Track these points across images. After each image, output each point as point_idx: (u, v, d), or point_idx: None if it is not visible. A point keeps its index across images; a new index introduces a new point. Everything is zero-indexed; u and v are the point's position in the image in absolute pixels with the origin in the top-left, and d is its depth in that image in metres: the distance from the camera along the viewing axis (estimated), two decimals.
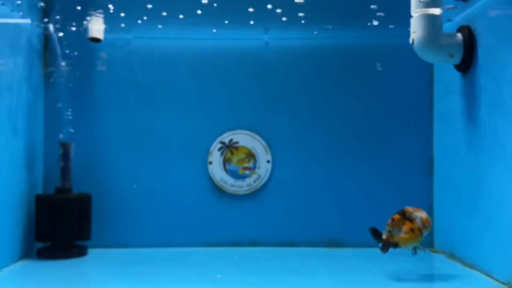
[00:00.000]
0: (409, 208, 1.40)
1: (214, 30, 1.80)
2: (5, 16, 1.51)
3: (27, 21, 1.65)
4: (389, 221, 1.40)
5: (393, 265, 1.57)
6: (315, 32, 1.83)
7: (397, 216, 1.39)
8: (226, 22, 1.72)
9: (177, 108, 1.86)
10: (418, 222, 1.37)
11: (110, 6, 1.56)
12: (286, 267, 1.56)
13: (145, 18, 1.66)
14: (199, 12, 1.60)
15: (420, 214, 1.38)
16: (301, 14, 1.64)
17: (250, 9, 1.59)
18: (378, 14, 1.61)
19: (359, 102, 1.88)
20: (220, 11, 1.60)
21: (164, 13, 1.61)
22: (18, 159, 1.62)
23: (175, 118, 1.86)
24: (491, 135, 1.42)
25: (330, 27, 1.79)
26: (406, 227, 1.38)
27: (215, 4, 1.54)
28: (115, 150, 1.85)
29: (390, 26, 1.73)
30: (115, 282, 1.38)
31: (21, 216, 1.63)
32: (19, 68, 1.63)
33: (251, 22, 1.73)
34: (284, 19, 1.67)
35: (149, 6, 1.54)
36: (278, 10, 1.61)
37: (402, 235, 1.38)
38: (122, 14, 1.63)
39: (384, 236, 1.40)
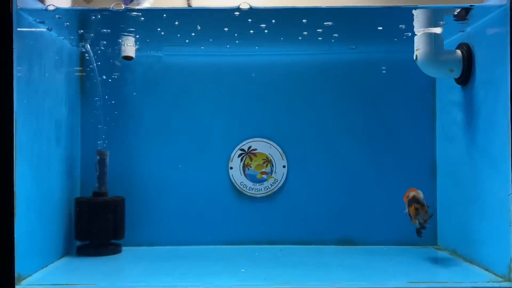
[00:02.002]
0: (410, 193, 1.68)
1: (256, 48, 1.94)
2: (50, 39, 1.69)
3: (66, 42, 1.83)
4: (414, 211, 1.66)
5: (400, 261, 1.71)
6: (353, 46, 1.94)
7: (415, 206, 1.66)
8: (246, 40, 1.87)
9: (201, 119, 2.01)
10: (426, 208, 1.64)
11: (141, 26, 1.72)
12: (302, 262, 1.70)
13: (169, 37, 1.81)
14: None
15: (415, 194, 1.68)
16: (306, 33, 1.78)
17: (266, 30, 1.74)
18: (406, 34, 1.73)
19: (367, 111, 2.01)
20: (238, 31, 1.75)
21: (193, 34, 1.77)
22: (60, 166, 1.78)
23: (200, 128, 2.00)
24: (488, 142, 1.56)
25: (353, 47, 1.94)
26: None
27: (236, 28, 1.70)
28: (145, 157, 1.99)
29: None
30: (151, 276, 1.53)
31: (63, 217, 1.79)
32: (61, 84, 1.80)
33: (267, 40, 1.88)
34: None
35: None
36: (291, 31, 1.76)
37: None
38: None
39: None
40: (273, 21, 1.61)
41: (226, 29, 1.71)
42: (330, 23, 1.64)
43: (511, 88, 1.40)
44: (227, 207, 2.01)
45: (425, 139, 2.00)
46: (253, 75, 2.02)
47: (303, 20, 1.62)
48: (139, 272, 1.59)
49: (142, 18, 1.57)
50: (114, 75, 1.99)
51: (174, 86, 2.02)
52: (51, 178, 1.69)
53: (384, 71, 2.02)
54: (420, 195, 1.68)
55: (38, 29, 1.59)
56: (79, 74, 1.98)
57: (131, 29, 1.73)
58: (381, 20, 1.69)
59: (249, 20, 1.60)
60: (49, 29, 1.68)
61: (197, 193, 1.99)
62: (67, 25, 1.66)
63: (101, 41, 1.86)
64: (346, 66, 2.02)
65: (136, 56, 1.91)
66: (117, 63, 1.95)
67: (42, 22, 1.58)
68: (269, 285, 1.38)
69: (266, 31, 1.72)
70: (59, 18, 1.55)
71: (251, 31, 1.73)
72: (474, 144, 1.66)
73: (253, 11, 1.48)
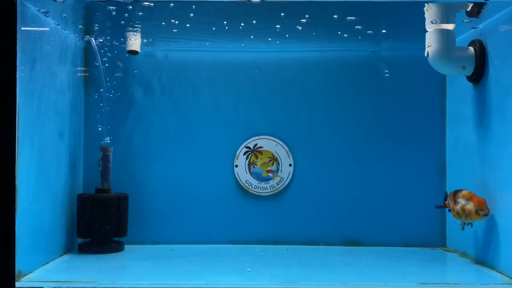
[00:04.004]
0: (460, 193, 1.59)
1: (242, 44, 1.93)
2: (54, 31, 1.66)
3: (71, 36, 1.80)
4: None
5: (409, 262, 1.67)
6: (375, 47, 1.92)
7: (450, 194, 1.64)
8: (252, 37, 1.84)
9: (207, 116, 1.98)
10: (457, 207, 1.57)
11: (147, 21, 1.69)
12: (309, 262, 1.66)
13: (175, 31, 1.78)
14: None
15: (462, 202, 1.56)
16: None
17: (277, 26, 1.71)
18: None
19: (376, 109, 1.98)
20: (247, 27, 1.72)
21: (200, 29, 1.73)
22: (63, 161, 1.75)
23: (205, 124, 1.98)
24: (500, 141, 1.52)
25: (376, 48, 1.93)
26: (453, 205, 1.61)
27: (242, 24, 1.68)
28: (149, 154, 1.96)
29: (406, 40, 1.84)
30: (154, 274, 1.50)
31: (65, 214, 1.76)
32: (65, 78, 1.77)
33: (270, 39, 1.85)
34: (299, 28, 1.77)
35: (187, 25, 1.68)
36: (299, 27, 1.73)
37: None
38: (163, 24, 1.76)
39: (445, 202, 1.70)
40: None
41: (225, 21, 1.68)
42: (352, 17, 1.61)
43: None
44: (232, 206, 1.97)
45: (434, 138, 1.97)
46: (255, 71, 1.99)
47: (307, 16, 1.59)
48: (142, 271, 1.56)
49: (150, 11, 1.53)
50: (119, 70, 1.96)
51: (179, 82, 1.99)
52: (53, 174, 1.66)
53: (387, 75, 1.98)
54: (463, 200, 1.56)
55: (42, 21, 1.56)
56: (83, 68, 1.96)
57: (137, 23, 1.70)
58: (392, 16, 1.67)
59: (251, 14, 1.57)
60: (55, 23, 1.65)
61: (202, 191, 1.96)
62: (71, 19, 1.63)
63: (107, 35, 1.83)
64: (355, 63, 1.99)
65: (141, 51, 1.88)
66: (119, 63, 1.92)
67: (47, 13, 1.55)
68: (275, 285, 1.35)
69: (278, 26, 1.70)
70: (63, 13, 1.52)
71: (258, 24, 1.70)
72: (486, 144, 1.63)
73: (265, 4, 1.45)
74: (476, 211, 1.50)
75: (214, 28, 1.74)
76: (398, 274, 1.51)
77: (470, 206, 1.52)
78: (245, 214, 1.98)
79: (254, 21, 1.66)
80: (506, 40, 1.50)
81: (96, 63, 1.88)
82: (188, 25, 1.68)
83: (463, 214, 1.55)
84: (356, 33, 1.80)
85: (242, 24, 1.68)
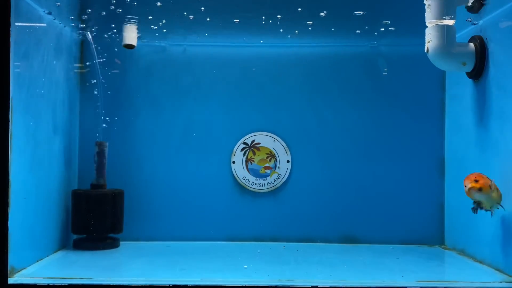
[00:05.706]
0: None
1: (244, 39, 1.91)
2: (49, 24, 1.63)
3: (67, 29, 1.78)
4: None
5: (407, 260, 1.66)
6: (374, 42, 1.90)
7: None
8: (250, 32, 1.83)
9: (204, 111, 1.96)
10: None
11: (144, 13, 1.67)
12: (306, 260, 1.65)
13: (173, 23, 1.76)
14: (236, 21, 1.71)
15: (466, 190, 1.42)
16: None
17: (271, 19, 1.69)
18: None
19: (375, 106, 1.97)
20: (246, 21, 1.70)
21: (201, 17, 1.70)
22: (57, 155, 1.73)
23: (202, 120, 1.96)
24: (500, 138, 1.51)
25: (376, 43, 1.91)
26: None
27: (236, 20, 1.66)
28: (146, 150, 1.94)
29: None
30: (151, 271, 1.48)
31: (59, 209, 1.74)
32: (59, 71, 1.75)
33: (272, 31, 1.83)
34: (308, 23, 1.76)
35: (191, 16, 1.66)
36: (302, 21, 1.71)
37: None
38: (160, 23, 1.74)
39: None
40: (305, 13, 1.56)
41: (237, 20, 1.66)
42: (361, 12, 1.59)
43: None
44: (229, 202, 1.96)
45: (433, 135, 1.96)
46: (253, 69, 1.97)
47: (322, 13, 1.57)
48: (138, 267, 1.54)
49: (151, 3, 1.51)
50: (115, 65, 1.93)
51: (176, 77, 1.96)
52: (47, 169, 1.64)
53: (387, 71, 1.97)
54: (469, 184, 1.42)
55: (37, 14, 1.53)
56: (79, 63, 1.93)
57: (134, 16, 1.68)
58: (392, 11, 1.65)
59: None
60: (49, 14, 1.62)
61: (198, 187, 1.95)
62: (66, 12, 1.60)
63: (102, 29, 1.80)
64: (354, 59, 1.97)
65: (137, 45, 1.86)
66: (117, 61, 1.90)
67: (42, 6, 1.53)
68: (273, 282, 1.33)
69: (270, 21, 1.68)
70: (58, 3, 1.50)
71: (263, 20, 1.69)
72: (486, 141, 1.61)
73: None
74: (465, 189, 1.41)
75: (211, 23, 1.72)
76: (396, 272, 1.50)
77: (465, 188, 1.42)
78: (242, 211, 1.96)
79: (248, 15, 1.65)
80: (506, 36, 1.49)
81: (87, 63, 1.86)
82: (184, 19, 1.67)
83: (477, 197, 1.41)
84: (356, 28, 1.78)
85: (238, 19, 1.66)
